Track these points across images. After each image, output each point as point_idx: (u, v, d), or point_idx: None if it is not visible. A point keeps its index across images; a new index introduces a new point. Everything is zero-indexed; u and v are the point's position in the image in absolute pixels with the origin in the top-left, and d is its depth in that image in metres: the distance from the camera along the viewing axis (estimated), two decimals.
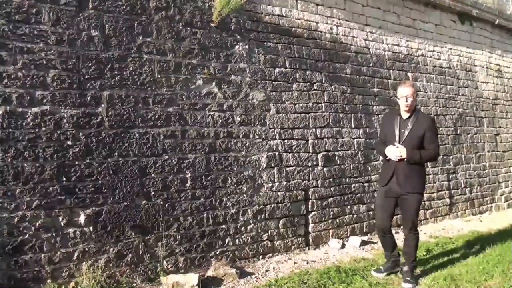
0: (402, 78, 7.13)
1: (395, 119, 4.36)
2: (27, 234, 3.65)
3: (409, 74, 7.29)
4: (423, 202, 7.07)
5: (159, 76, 4.50)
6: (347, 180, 6.03)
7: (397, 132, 4.27)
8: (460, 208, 7.78)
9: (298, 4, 5.88)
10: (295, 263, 4.97)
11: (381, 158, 6.46)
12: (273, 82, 5.43)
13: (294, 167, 5.47)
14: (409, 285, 4.20)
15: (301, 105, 5.66)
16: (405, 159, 4.15)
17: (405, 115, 4.34)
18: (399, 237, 6.05)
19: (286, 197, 5.34)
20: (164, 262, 4.33)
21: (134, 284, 4.13)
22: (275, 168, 5.29)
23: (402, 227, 4.42)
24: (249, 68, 5.22)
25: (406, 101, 4.25)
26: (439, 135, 4.39)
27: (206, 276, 4.41)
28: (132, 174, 4.23)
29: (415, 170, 4.23)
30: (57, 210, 3.80)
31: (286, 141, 5.44)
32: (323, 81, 5.98)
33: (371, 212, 6.26)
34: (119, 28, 4.30)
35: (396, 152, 4.17)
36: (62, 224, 3.82)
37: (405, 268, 4.33)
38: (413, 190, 4.21)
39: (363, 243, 5.74)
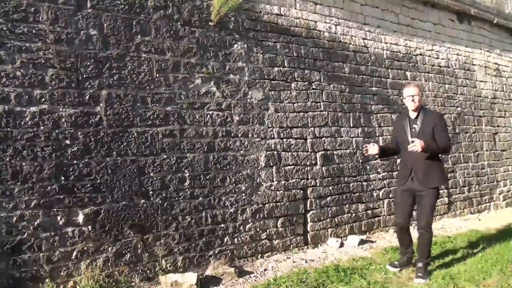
0: (400, 77, 7.14)
1: (405, 121, 4.55)
2: (25, 233, 3.64)
3: (408, 73, 7.29)
4: None
5: (157, 75, 4.50)
6: (346, 179, 6.03)
7: (408, 131, 4.46)
8: (459, 207, 7.79)
9: (297, 3, 5.87)
10: (293, 262, 4.97)
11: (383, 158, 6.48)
12: (272, 81, 5.43)
13: (292, 166, 5.47)
14: (421, 281, 4.26)
15: (299, 104, 5.66)
16: (423, 149, 4.15)
17: (413, 115, 4.52)
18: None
19: (284, 196, 5.34)
20: (163, 261, 4.33)
21: (133, 283, 4.12)
22: (274, 167, 5.29)
23: (416, 223, 4.52)
24: (247, 67, 5.22)
25: (413, 100, 4.43)
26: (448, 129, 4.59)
27: (204, 275, 4.42)
28: (130, 173, 4.22)
29: (433, 166, 4.38)
30: (55, 209, 3.80)
31: (284, 140, 5.44)
32: (322, 80, 5.98)
33: (369, 211, 6.27)
34: (118, 27, 4.29)
35: (412, 145, 4.19)
36: (60, 223, 3.82)
37: (419, 264, 4.40)
38: (432, 185, 4.35)
39: (362, 242, 5.74)
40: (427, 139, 4.28)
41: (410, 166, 4.43)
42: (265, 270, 4.72)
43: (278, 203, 5.28)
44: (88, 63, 4.08)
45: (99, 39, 4.16)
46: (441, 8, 8.06)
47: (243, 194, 4.99)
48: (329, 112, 5.99)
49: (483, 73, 8.89)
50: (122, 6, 4.34)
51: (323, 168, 5.79)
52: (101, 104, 4.12)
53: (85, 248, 3.92)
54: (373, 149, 4.52)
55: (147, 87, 4.42)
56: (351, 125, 6.23)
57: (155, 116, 4.43)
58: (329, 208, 5.79)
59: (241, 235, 4.93)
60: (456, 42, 8.39)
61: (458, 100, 8.14)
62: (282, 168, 5.37)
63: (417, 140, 4.18)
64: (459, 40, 8.47)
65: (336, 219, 5.86)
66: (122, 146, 4.20)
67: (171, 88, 4.58)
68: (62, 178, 3.85)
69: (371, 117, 6.53)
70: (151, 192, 4.34)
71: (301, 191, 5.53)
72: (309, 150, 5.68)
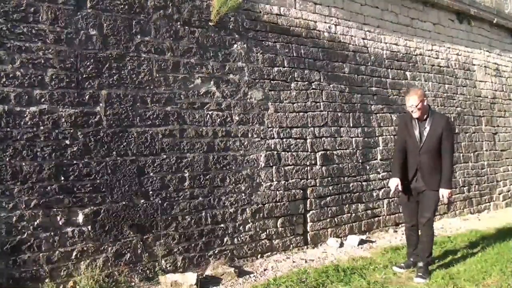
0: (400, 77, 7.14)
1: (413, 121, 4.46)
2: (25, 233, 3.64)
3: (408, 73, 7.29)
4: None
5: (157, 75, 4.50)
6: (346, 179, 6.03)
7: (417, 134, 4.42)
8: (459, 207, 7.79)
9: (297, 3, 5.87)
10: (293, 262, 4.97)
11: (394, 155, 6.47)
12: (272, 81, 5.43)
13: (292, 166, 5.47)
14: (421, 280, 4.26)
15: (299, 104, 5.66)
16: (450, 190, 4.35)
17: (421, 118, 4.45)
18: (397, 236, 6.09)
19: (284, 196, 5.34)
20: (163, 261, 4.33)
21: (133, 283, 4.12)
22: (274, 167, 5.28)
23: (418, 222, 4.51)
24: (247, 67, 5.22)
25: (413, 111, 4.37)
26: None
27: (204, 275, 4.42)
28: (130, 173, 4.22)
29: (438, 169, 4.36)
30: (55, 209, 3.80)
31: (284, 140, 5.44)
32: (322, 80, 5.98)
33: (369, 211, 6.27)
34: (117, 27, 4.29)
35: (444, 197, 4.35)
36: (60, 223, 3.82)
37: (420, 264, 4.40)
38: (435, 187, 4.34)
39: (362, 242, 5.74)
40: (434, 143, 4.33)
41: (415, 167, 4.43)
42: (265, 270, 4.72)
43: (278, 203, 5.28)
44: (88, 63, 4.08)
45: (99, 39, 4.16)
46: (440, 8, 8.06)
47: (243, 194, 4.99)
48: (329, 112, 5.99)
49: (482, 73, 8.89)
50: (122, 6, 4.33)
51: (323, 168, 5.79)
52: (101, 104, 4.12)
53: (85, 248, 3.92)
54: (393, 185, 4.51)
55: (147, 87, 4.42)
56: (351, 125, 6.23)
57: (155, 116, 4.43)
58: (329, 208, 5.78)
59: (241, 235, 4.93)
60: (456, 42, 8.39)
61: (458, 100, 8.14)
62: (282, 168, 5.36)
63: (442, 191, 4.30)
64: (459, 40, 8.48)
65: (336, 219, 5.86)
66: (122, 146, 4.20)
67: (171, 88, 4.58)
68: (62, 178, 3.85)
69: (371, 117, 6.53)
70: (151, 192, 4.33)
71: (301, 191, 5.53)
72: (309, 150, 5.68)
